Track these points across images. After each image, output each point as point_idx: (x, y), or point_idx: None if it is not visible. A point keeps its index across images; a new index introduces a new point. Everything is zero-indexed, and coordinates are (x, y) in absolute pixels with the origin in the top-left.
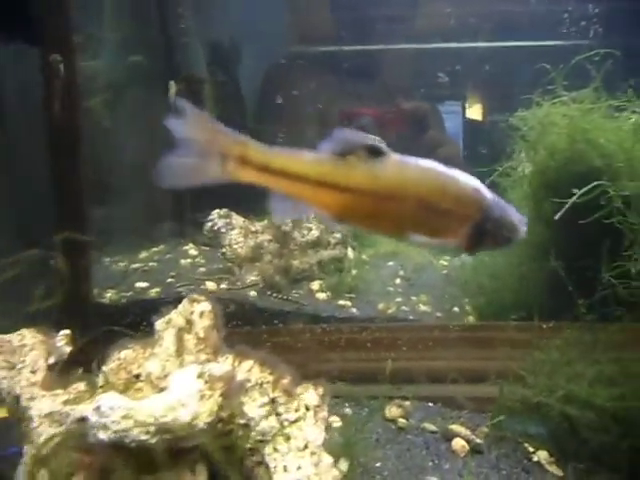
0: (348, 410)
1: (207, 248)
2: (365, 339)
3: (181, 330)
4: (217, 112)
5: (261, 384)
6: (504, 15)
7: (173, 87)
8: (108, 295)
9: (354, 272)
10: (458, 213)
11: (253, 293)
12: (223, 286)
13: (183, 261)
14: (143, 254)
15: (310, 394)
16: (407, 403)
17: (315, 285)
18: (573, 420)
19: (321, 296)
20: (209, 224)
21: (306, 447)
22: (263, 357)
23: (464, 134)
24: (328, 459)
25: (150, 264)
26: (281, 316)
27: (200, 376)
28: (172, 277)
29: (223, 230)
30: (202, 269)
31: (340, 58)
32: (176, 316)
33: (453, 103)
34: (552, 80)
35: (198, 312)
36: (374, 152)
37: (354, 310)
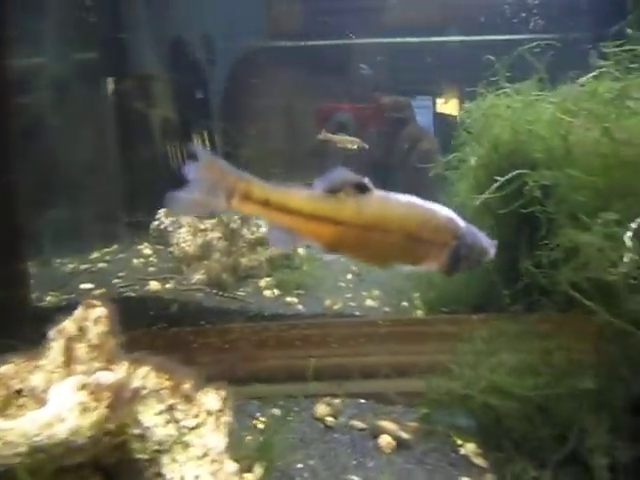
0: (276, 410)
1: (162, 247)
2: (294, 337)
3: (71, 339)
4: (169, 109)
5: (158, 391)
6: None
7: (111, 84)
8: (48, 298)
9: (305, 268)
10: (436, 242)
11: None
12: (168, 286)
13: (136, 261)
14: (95, 255)
15: (211, 398)
16: (337, 401)
17: (263, 282)
18: (496, 410)
19: (269, 293)
20: (155, 223)
21: (206, 455)
22: (161, 362)
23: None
24: (231, 466)
25: (100, 265)
26: (227, 315)
27: (83, 387)
28: (119, 278)
29: (170, 229)
30: (152, 269)
31: (309, 53)
32: (69, 323)
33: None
34: (498, 72)
35: (93, 318)
36: (361, 189)
37: (300, 307)
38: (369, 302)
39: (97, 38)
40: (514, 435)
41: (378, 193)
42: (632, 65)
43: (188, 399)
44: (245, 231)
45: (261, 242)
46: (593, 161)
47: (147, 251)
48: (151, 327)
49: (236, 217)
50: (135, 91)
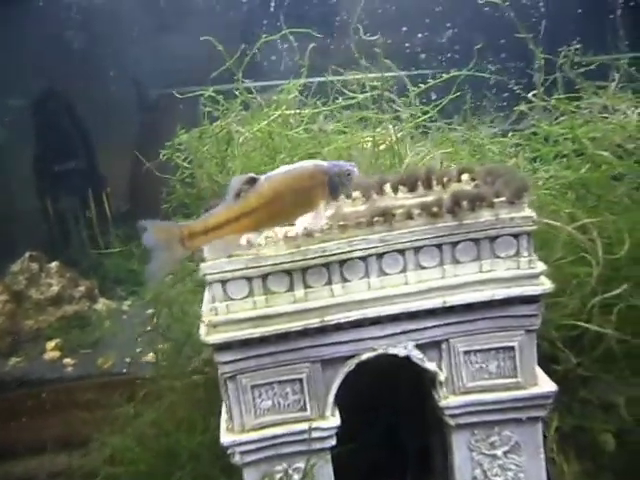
0: None
1: None
2: None
3: None
4: None
5: None
6: None
7: None
8: None
9: (107, 324)
10: (316, 185)
11: None
12: None
13: None
14: None
15: None
16: None
17: (52, 344)
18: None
19: (51, 355)
20: None
21: None
22: None
23: None
24: None
25: None
26: None
27: None
28: None
29: None
30: None
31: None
32: None
33: None
34: None
35: None
36: (252, 182)
37: (70, 369)
38: (150, 357)
39: None
40: None
41: (261, 177)
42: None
43: None
44: (33, 292)
45: (53, 301)
46: None
47: None
48: None
49: (21, 278)
50: None
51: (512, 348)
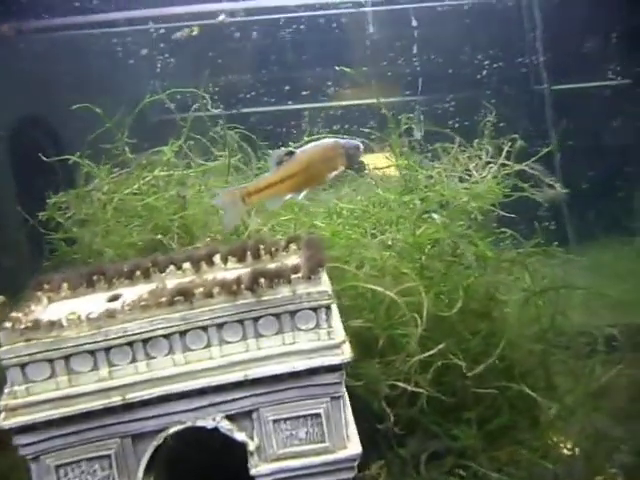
0: None
1: None
2: None
3: None
4: None
5: None
6: None
7: None
8: None
9: None
10: (337, 155)
11: None
12: None
13: None
14: None
15: None
16: None
17: None
18: None
19: None
20: None
21: None
22: None
23: None
24: None
25: None
26: None
27: None
28: None
29: None
30: None
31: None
32: None
33: None
34: None
35: None
36: (291, 154)
37: None
38: None
39: None
40: None
41: (298, 150)
42: None
43: None
44: None
45: None
46: None
47: None
48: None
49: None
50: None
51: (319, 415)
